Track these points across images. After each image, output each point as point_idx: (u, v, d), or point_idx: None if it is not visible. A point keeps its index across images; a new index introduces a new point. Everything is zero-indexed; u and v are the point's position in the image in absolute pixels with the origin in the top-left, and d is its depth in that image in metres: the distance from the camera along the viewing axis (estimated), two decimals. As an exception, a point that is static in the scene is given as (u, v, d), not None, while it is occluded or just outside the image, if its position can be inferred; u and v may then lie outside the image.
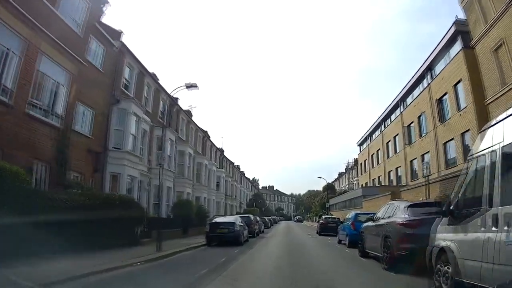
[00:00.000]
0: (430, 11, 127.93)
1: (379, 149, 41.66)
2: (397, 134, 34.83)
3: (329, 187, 62.52)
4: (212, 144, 42.86)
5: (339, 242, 17.93)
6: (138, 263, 9.81)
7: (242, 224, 18.33)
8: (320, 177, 57.32)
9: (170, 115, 26.91)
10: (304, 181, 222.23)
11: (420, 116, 29.01)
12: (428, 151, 27.17)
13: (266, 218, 46.66)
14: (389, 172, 37.73)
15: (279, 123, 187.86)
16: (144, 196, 20.81)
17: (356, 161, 64.15)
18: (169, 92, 23.68)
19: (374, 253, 10.33)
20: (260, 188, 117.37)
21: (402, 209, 9.10)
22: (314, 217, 78.30)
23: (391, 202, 11.71)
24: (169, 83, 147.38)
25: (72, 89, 13.83)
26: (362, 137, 50.87)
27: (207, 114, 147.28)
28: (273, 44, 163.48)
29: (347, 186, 64.25)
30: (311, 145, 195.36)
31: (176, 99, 28.43)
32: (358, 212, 18.40)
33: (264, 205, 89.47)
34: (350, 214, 18.27)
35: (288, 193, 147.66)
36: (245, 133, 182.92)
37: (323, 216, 30.35)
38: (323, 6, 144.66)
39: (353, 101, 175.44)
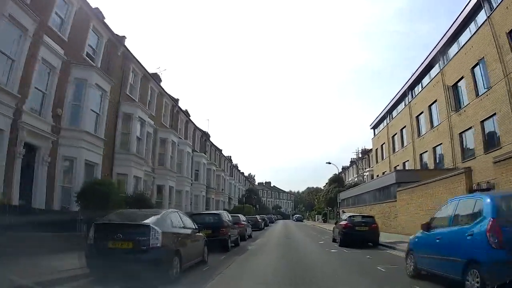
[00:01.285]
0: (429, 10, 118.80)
1: (403, 127, 32.20)
2: (434, 101, 25.47)
3: (336, 180, 52.87)
4: (189, 121, 33.25)
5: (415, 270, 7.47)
6: None
7: (182, 232, 8.51)
8: (329, 163, 46.23)
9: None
10: (302, 179, 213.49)
11: (476, 65, 19.63)
12: (495, 113, 17.84)
13: (258, 216, 37.23)
14: (421, 155, 28.31)
15: (277, 121, 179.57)
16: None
17: (363, 152, 54.68)
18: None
19: None
20: (256, 184, 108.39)
21: None
22: (316, 216, 68.25)
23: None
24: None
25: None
26: (378, 117, 41.31)
27: (206, 112, 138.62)
28: (274, 40, 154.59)
29: (355, 179, 54.64)
30: (309, 144, 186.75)
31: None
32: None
33: (259, 202, 79.24)
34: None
35: (286, 190, 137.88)
36: (242, 129, 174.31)
37: (346, 214, 18.81)
38: (323, 4, 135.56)
39: (352, 101, 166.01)
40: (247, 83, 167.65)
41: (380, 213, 24.20)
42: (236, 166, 68.70)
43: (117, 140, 18.37)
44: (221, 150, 50.71)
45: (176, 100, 29.86)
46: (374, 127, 43.73)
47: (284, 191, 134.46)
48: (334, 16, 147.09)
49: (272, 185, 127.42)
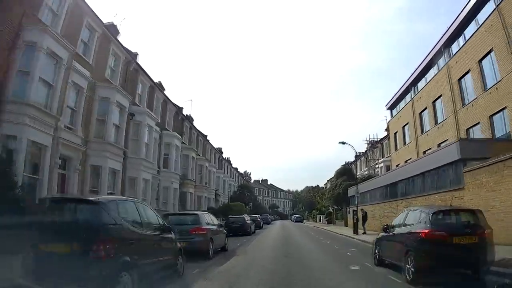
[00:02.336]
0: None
1: (439, 97, 24.39)
2: (490, 51, 17.80)
3: (345, 172, 43.77)
4: (155, 88, 25.20)
5: None
6: None
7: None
8: (343, 143, 30.68)
9: None
10: (300, 179, 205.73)
11: None
12: None
13: (247, 216, 29.50)
14: (468, 130, 20.55)
15: (275, 121, 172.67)
16: None
17: (372, 144, 45.49)
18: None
19: None
20: (252, 181, 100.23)
21: None
22: (319, 216, 61.28)
23: None
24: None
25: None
26: (396, 93, 33.28)
27: (205, 112, 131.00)
28: (274, 38, 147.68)
29: (365, 173, 46.19)
30: (306, 144, 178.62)
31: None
32: None
33: (254, 201, 71.19)
34: None
35: (284, 188, 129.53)
36: (240, 129, 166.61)
37: (411, 211, 8.94)
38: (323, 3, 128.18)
39: (352, 101, 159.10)
40: (246, 82, 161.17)
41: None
42: (228, 160, 61.17)
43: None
44: (207, 136, 42.66)
45: (135, 55, 22.13)
46: (391, 107, 35.76)
47: (282, 190, 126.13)
48: (334, 15, 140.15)
49: (269, 183, 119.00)
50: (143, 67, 22.54)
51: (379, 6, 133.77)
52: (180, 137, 28.06)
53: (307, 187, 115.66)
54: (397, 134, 33.49)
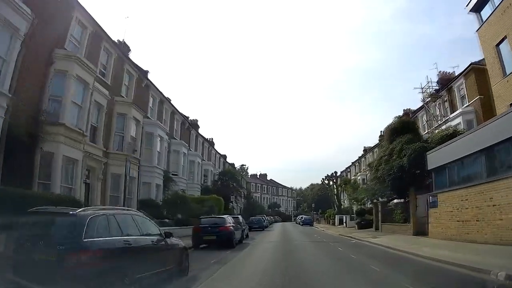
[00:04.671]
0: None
1: None
2: None
3: (405, 127, 23.95)
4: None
5: None
6: None
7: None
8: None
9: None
10: (301, 180, 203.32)
11: None
12: None
13: (228, 218, 18.09)
14: None
15: (274, 121, 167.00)
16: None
17: (436, 94, 26.44)
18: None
19: None
20: (249, 176, 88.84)
21: None
22: (338, 217, 44.03)
23: None
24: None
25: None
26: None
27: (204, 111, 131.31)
28: (274, 37, 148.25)
29: (426, 132, 27.42)
30: (304, 144, 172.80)
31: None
32: None
33: (249, 198, 60.21)
34: None
35: (287, 185, 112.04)
36: (239, 127, 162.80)
37: None
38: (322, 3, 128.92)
39: (350, 103, 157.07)
40: (245, 82, 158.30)
41: None
42: (209, 141, 44.66)
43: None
44: (167, 97, 28.82)
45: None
46: (478, 8, 18.69)
47: (284, 186, 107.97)
48: (334, 14, 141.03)
49: (269, 179, 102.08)
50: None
51: (377, 6, 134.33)
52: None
53: (312, 184, 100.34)
54: (499, 50, 17.24)
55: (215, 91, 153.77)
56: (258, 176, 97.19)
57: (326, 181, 56.54)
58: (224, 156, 56.73)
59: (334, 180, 53.83)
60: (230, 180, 39.78)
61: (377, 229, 26.88)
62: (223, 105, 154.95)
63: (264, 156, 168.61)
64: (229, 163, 59.91)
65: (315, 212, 71.31)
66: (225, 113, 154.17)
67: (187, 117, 36.03)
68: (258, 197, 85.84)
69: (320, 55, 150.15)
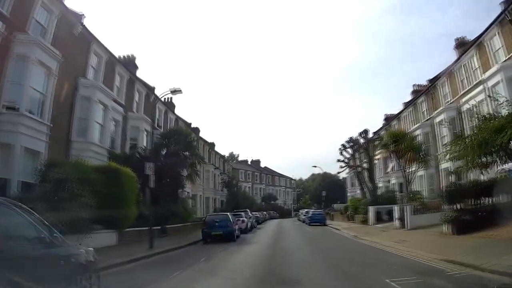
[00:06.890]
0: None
1: None
2: None
3: None
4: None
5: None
6: None
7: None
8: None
9: None
10: (297, 175, 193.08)
11: None
12: None
13: None
14: None
15: (272, 119, 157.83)
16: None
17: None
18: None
19: None
20: (238, 161, 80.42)
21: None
22: (371, 208, 25.71)
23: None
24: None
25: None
26: None
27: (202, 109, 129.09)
28: (273, 37, 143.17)
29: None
30: (302, 142, 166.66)
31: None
32: None
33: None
34: None
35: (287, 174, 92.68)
36: (238, 126, 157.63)
37: None
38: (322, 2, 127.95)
39: (348, 101, 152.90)
40: (245, 81, 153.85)
41: None
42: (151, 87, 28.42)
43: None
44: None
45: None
46: None
47: (281, 175, 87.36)
48: (334, 13, 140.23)
49: (263, 166, 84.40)
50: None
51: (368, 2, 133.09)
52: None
53: (313, 175, 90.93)
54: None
55: (215, 91, 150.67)
56: (249, 163, 79.74)
57: (349, 147, 34.05)
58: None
59: (368, 140, 31.84)
60: (178, 145, 22.68)
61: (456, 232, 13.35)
62: (223, 104, 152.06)
63: (264, 154, 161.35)
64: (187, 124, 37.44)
65: (316, 205, 64.59)
66: (224, 112, 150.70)
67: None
68: (249, 187, 70.60)
69: (323, 50, 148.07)
